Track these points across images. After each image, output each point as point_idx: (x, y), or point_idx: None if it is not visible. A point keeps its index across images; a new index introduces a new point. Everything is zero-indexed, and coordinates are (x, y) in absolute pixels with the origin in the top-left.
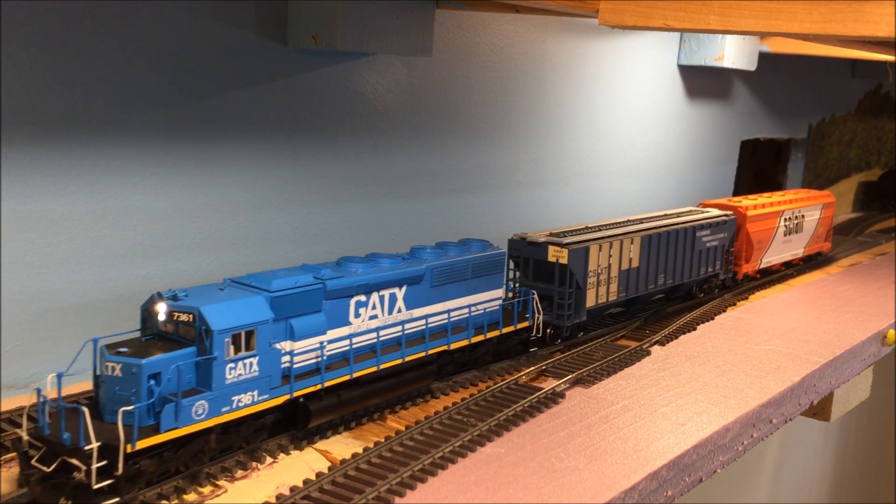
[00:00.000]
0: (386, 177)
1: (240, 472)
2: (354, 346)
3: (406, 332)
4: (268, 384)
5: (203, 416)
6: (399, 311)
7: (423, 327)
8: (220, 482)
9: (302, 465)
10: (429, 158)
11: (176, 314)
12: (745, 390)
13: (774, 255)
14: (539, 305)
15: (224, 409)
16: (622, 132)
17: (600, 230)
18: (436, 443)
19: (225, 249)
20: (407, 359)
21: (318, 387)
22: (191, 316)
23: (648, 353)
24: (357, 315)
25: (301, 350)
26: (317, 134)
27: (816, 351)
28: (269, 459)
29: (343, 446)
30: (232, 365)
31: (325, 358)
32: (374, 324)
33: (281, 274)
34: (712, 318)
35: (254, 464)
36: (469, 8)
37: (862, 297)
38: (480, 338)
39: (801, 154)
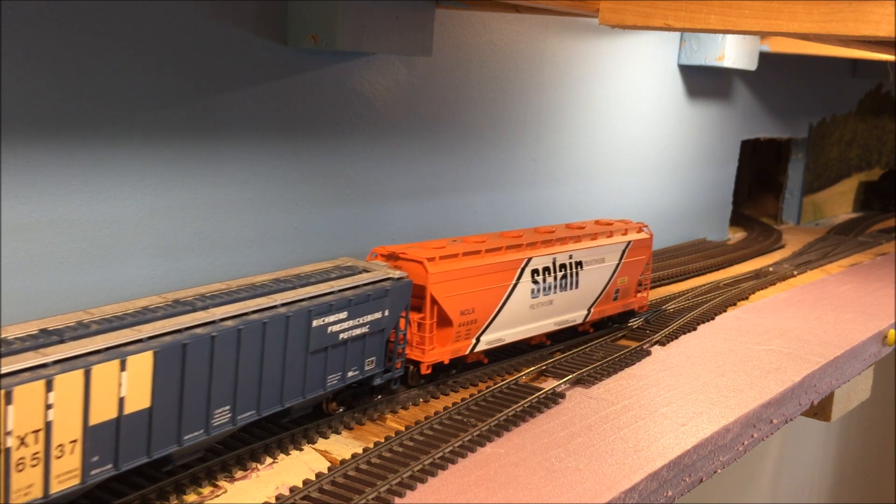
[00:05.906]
0: (386, 176)
1: (239, 473)
2: None
3: None
4: None
5: None
6: None
7: None
8: (220, 482)
9: (302, 465)
10: (429, 158)
11: None
12: (745, 390)
13: (514, 328)
14: None
15: None
16: (622, 132)
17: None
18: (436, 443)
19: (225, 249)
20: None
21: None
22: None
23: (649, 353)
24: None
25: None
26: (317, 133)
27: (817, 351)
28: (268, 460)
29: (343, 446)
30: None
31: None
32: None
33: None
34: (712, 318)
35: (253, 464)
36: (469, 8)
37: (862, 297)
38: None
39: (802, 154)
